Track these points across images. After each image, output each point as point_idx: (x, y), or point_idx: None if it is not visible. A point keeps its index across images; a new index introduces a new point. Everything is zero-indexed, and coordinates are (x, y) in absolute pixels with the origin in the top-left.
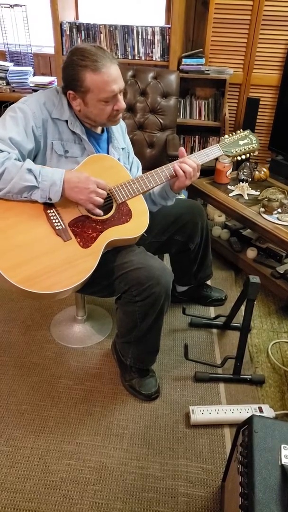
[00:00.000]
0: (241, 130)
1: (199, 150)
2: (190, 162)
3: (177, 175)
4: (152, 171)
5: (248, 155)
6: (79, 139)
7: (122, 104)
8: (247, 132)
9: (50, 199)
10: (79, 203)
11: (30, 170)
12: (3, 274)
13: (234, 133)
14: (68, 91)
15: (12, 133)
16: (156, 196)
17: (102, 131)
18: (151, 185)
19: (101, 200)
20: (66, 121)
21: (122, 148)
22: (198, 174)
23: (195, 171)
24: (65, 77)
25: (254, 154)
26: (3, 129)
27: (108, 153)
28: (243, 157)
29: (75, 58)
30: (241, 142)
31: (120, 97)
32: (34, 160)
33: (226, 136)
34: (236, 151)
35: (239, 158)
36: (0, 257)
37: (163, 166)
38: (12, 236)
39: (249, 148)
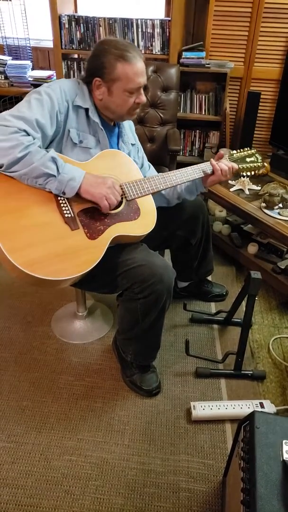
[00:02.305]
0: (248, 148)
1: (200, 144)
2: (226, 162)
3: (214, 170)
4: (165, 173)
5: (252, 172)
6: (94, 130)
7: (143, 97)
8: (253, 150)
9: (64, 193)
10: (94, 200)
11: (54, 159)
12: (7, 255)
13: (242, 150)
14: (94, 78)
15: (37, 115)
16: (183, 191)
17: (114, 125)
18: (161, 186)
19: (115, 201)
20: (86, 109)
21: (132, 144)
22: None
23: (230, 170)
24: (93, 65)
25: (258, 172)
26: (29, 110)
27: (118, 147)
28: (248, 173)
29: (107, 47)
30: (248, 159)
31: (142, 91)
32: (49, 145)
33: (234, 151)
34: (243, 167)
35: (243, 174)
36: (5, 237)
37: (174, 170)
38: (20, 218)
39: (254, 166)
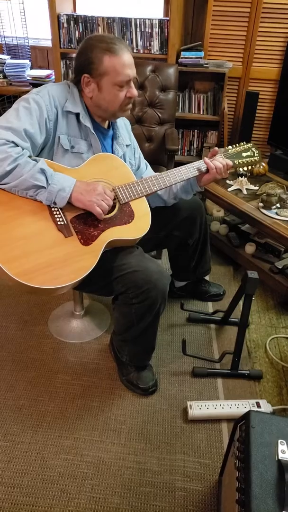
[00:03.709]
0: (245, 142)
1: (198, 144)
2: (220, 160)
3: (208, 169)
4: (159, 174)
5: (250, 167)
6: (86, 135)
7: (134, 91)
8: (250, 144)
9: (55, 203)
10: (86, 208)
11: (43, 171)
12: (2, 266)
13: (237, 144)
14: (82, 75)
15: (26, 124)
16: (178, 190)
17: (108, 127)
18: (155, 188)
19: (107, 207)
20: (77, 114)
21: (127, 145)
22: (228, 172)
23: (224, 167)
24: (81, 62)
25: (256, 167)
26: (17, 120)
27: (112, 150)
28: (245, 168)
29: (93, 42)
30: (244, 154)
31: (132, 84)
32: (40, 153)
33: (230, 146)
34: (238, 162)
35: (240, 169)
36: None
37: (168, 171)
38: (13, 229)
39: (251, 160)
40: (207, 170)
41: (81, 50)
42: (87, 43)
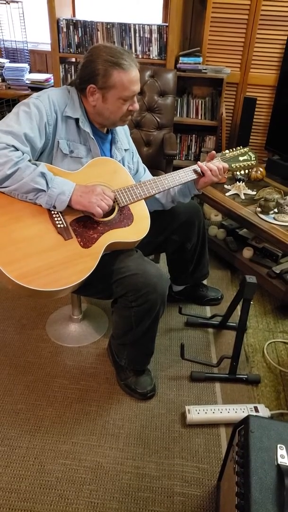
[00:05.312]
0: (241, 147)
1: (196, 149)
2: (216, 163)
3: (203, 171)
4: (157, 177)
5: (246, 170)
6: (85, 139)
7: (137, 105)
8: (247, 149)
9: (54, 207)
10: (86, 209)
11: (43, 174)
12: (1, 268)
13: (234, 149)
14: (89, 85)
15: (26, 129)
16: (176, 194)
17: (107, 132)
18: (154, 191)
19: (106, 207)
20: (76, 119)
21: (126, 149)
22: (225, 176)
23: (220, 170)
24: (89, 71)
25: (253, 171)
26: (17, 124)
27: (111, 154)
28: (242, 172)
29: (104, 54)
30: (241, 158)
31: (136, 99)
32: (40, 157)
33: (227, 150)
34: (235, 166)
35: (238, 174)
36: None
37: (166, 174)
38: (13, 231)
39: (248, 164)
40: (203, 173)
41: (89, 59)
42: (96, 53)
